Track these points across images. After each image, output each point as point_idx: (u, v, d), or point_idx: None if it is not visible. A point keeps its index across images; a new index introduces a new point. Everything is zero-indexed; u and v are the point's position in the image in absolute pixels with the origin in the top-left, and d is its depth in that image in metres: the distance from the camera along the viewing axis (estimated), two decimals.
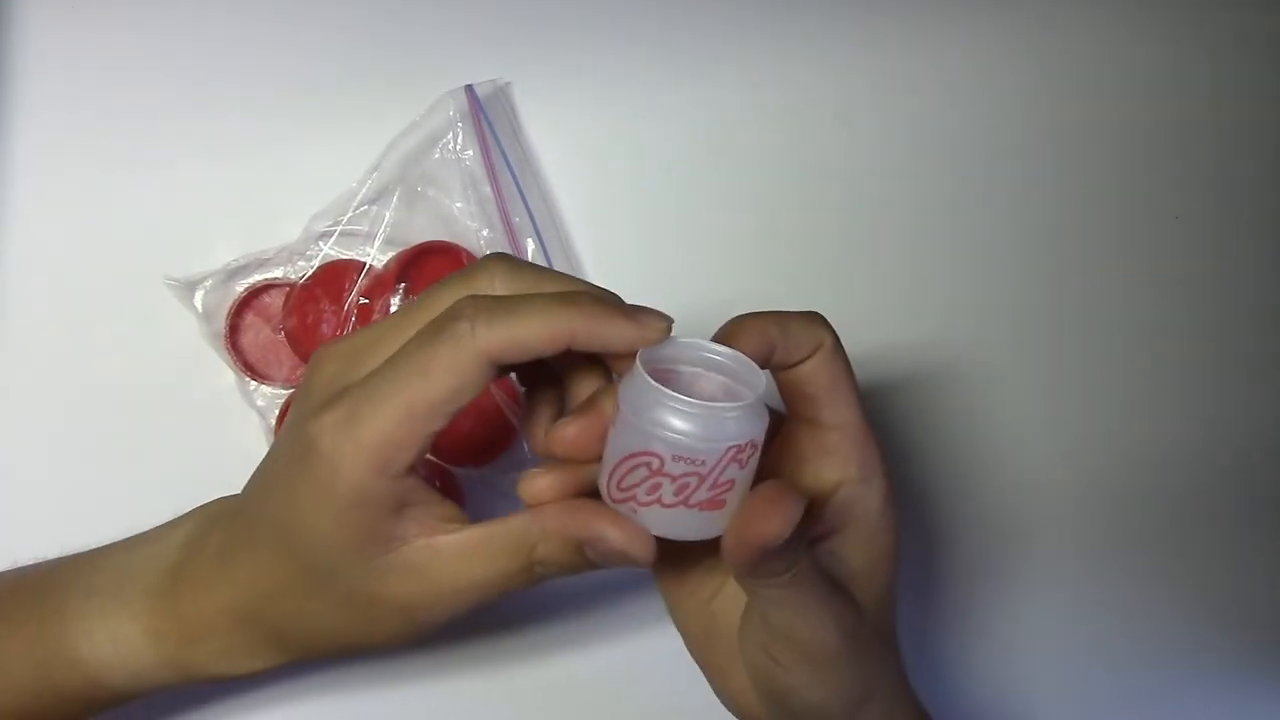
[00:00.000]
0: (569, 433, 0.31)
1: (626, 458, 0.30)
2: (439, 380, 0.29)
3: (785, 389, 0.34)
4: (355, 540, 0.31)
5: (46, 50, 0.48)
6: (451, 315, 0.29)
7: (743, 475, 0.30)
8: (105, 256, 0.48)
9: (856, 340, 0.35)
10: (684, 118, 0.53)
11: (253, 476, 0.35)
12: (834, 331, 0.33)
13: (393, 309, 0.47)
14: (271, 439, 0.47)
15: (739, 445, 0.29)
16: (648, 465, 0.29)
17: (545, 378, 0.34)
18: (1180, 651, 0.56)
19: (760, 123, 0.54)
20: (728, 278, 0.53)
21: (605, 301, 0.30)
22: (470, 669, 0.49)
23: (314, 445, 0.30)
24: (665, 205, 0.53)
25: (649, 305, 0.31)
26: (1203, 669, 0.57)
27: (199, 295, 0.47)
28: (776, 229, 0.54)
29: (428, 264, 0.48)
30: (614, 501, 0.31)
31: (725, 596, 0.35)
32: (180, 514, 0.37)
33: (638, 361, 0.29)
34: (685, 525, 0.30)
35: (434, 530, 0.31)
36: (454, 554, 0.31)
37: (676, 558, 0.35)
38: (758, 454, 0.30)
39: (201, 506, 0.37)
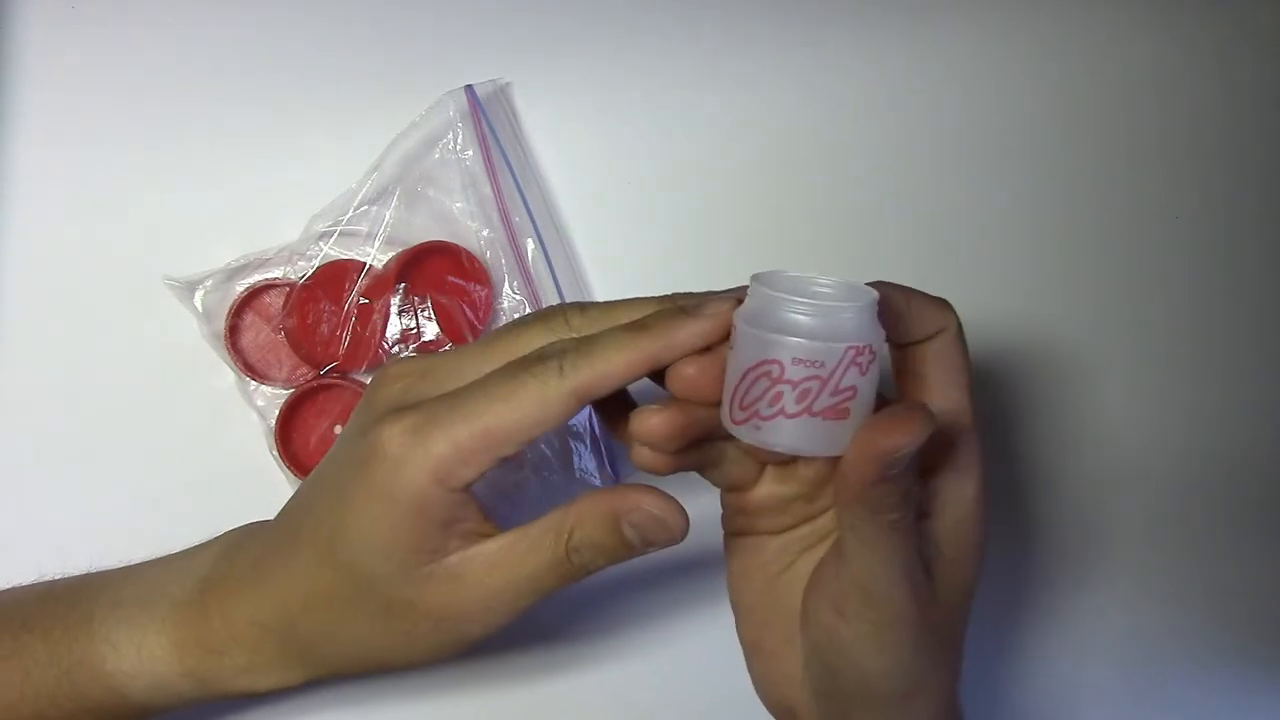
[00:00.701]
0: (689, 372, 0.31)
1: (747, 372, 0.29)
2: (522, 409, 0.30)
3: (899, 367, 0.34)
4: (403, 548, 0.31)
5: (46, 50, 0.48)
6: (540, 355, 0.31)
7: (864, 384, 0.29)
8: (105, 256, 0.48)
9: None
10: (684, 117, 0.53)
11: (296, 492, 0.35)
12: (959, 320, 0.33)
13: (393, 309, 0.47)
14: (272, 439, 0.47)
15: (857, 347, 0.29)
16: (768, 375, 0.29)
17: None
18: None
19: (761, 122, 0.54)
20: (728, 278, 0.53)
21: (673, 315, 0.31)
22: (477, 686, 0.49)
23: (379, 448, 0.30)
24: (665, 205, 0.53)
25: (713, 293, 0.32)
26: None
27: (199, 295, 0.47)
28: (777, 228, 0.54)
29: (428, 264, 0.48)
30: (735, 424, 0.30)
31: (794, 574, 0.35)
32: (183, 512, 0.38)
33: (750, 281, 0.30)
34: (811, 436, 0.30)
35: (473, 540, 0.32)
36: (490, 556, 0.32)
37: (751, 522, 0.35)
38: (876, 364, 0.29)
39: (237, 527, 0.37)
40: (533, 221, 0.49)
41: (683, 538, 0.31)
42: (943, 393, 0.33)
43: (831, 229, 0.54)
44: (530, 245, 0.49)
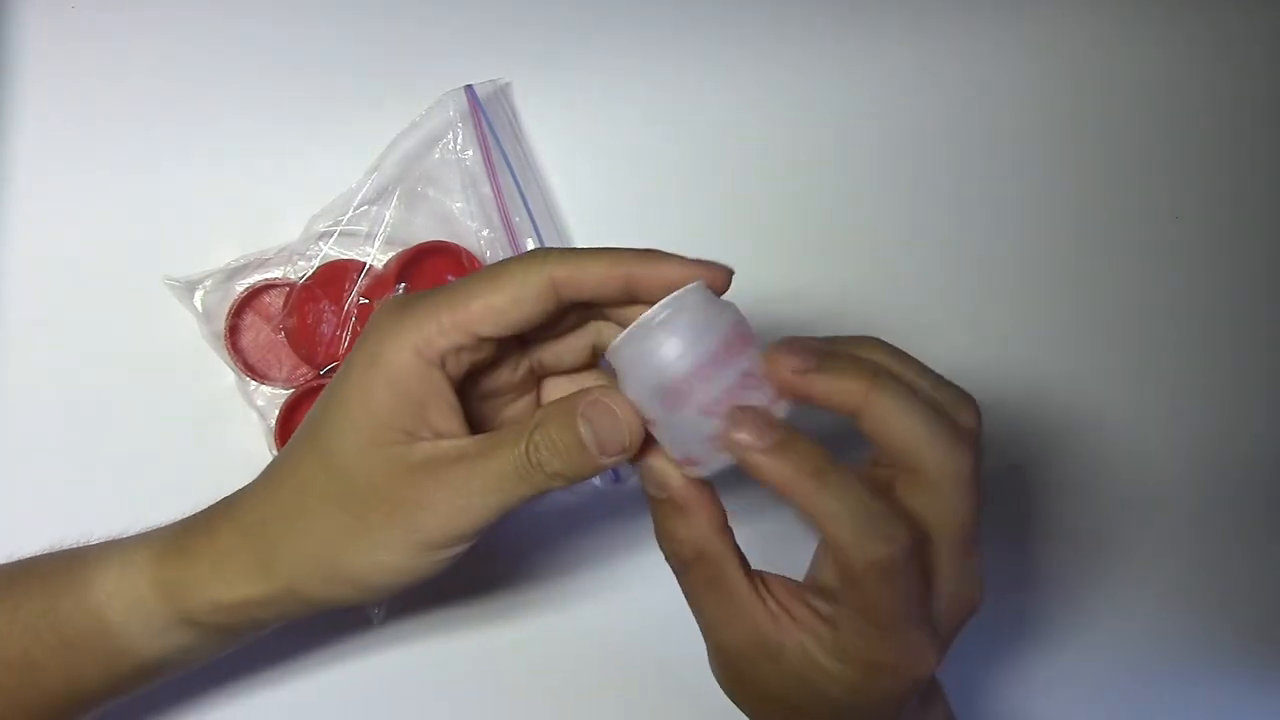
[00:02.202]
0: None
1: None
2: (502, 287, 0.31)
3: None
4: (375, 421, 0.32)
5: (46, 50, 0.48)
6: (526, 252, 0.33)
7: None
8: (105, 256, 0.48)
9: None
10: (684, 117, 0.53)
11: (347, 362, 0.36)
12: (960, 454, 0.31)
13: None
14: (272, 439, 0.47)
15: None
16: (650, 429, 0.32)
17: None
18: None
19: (761, 121, 0.54)
20: (733, 277, 0.53)
21: (660, 253, 0.32)
22: (456, 631, 0.49)
23: (370, 325, 0.33)
24: (665, 205, 0.53)
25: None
26: None
27: (199, 295, 0.47)
28: (778, 228, 0.54)
29: (428, 264, 0.48)
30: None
31: None
32: (182, 512, 0.37)
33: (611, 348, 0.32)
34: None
35: (443, 436, 0.32)
36: (459, 449, 0.32)
37: None
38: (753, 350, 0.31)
39: None
40: (533, 221, 0.49)
41: (635, 448, 0.32)
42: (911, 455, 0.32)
43: (831, 228, 0.54)
44: (530, 245, 0.49)
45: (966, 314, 0.55)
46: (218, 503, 0.36)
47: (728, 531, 0.33)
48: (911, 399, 0.31)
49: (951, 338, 0.55)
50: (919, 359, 0.33)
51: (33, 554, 0.38)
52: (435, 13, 0.51)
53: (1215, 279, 0.58)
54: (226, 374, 0.47)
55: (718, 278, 0.33)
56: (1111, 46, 0.58)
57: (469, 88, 0.49)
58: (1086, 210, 0.57)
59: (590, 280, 0.32)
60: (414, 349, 0.32)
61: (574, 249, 0.33)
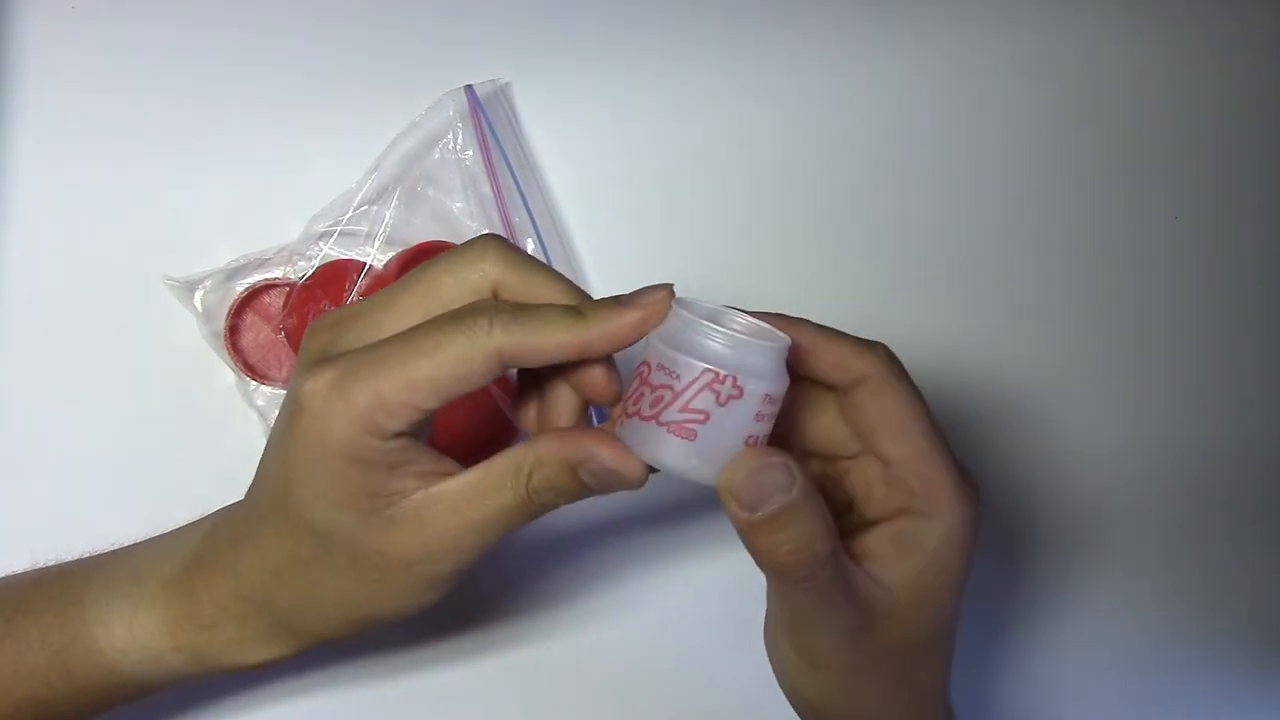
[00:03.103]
0: (596, 374, 0.32)
1: (632, 374, 0.30)
2: (446, 363, 0.29)
3: (847, 421, 0.34)
4: (352, 496, 0.31)
5: (46, 50, 0.48)
6: (471, 310, 0.30)
7: (722, 415, 0.29)
8: (105, 256, 0.48)
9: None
10: (685, 118, 0.53)
11: (260, 459, 0.35)
12: (889, 361, 0.33)
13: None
14: None
15: (716, 373, 0.29)
16: (640, 375, 0.30)
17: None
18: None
19: (760, 121, 0.54)
20: (730, 278, 0.53)
21: (610, 305, 0.31)
22: (462, 658, 0.49)
23: (304, 403, 0.30)
24: (666, 205, 0.53)
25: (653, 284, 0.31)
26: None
27: (199, 295, 0.47)
28: (776, 227, 0.54)
29: None
30: (617, 424, 0.31)
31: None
32: (183, 512, 0.38)
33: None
34: (653, 444, 0.30)
35: (432, 481, 0.32)
36: (452, 497, 0.31)
37: None
38: (750, 402, 0.29)
39: (229, 504, 0.37)
40: (533, 221, 0.49)
41: (641, 485, 0.31)
42: (889, 442, 0.33)
43: (830, 228, 0.54)
44: (530, 245, 0.49)
45: (963, 314, 0.55)
46: (203, 549, 0.35)
47: None
48: (827, 328, 0.33)
49: (948, 338, 0.55)
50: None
51: (15, 575, 0.38)
52: (435, 13, 0.51)
53: (1215, 279, 0.58)
54: (226, 374, 0.47)
55: (660, 308, 0.31)
56: (1108, 46, 0.58)
57: (469, 88, 0.49)
58: (1085, 211, 0.57)
59: (543, 354, 0.30)
60: (361, 429, 0.30)
61: (527, 310, 0.30)
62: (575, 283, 0.32)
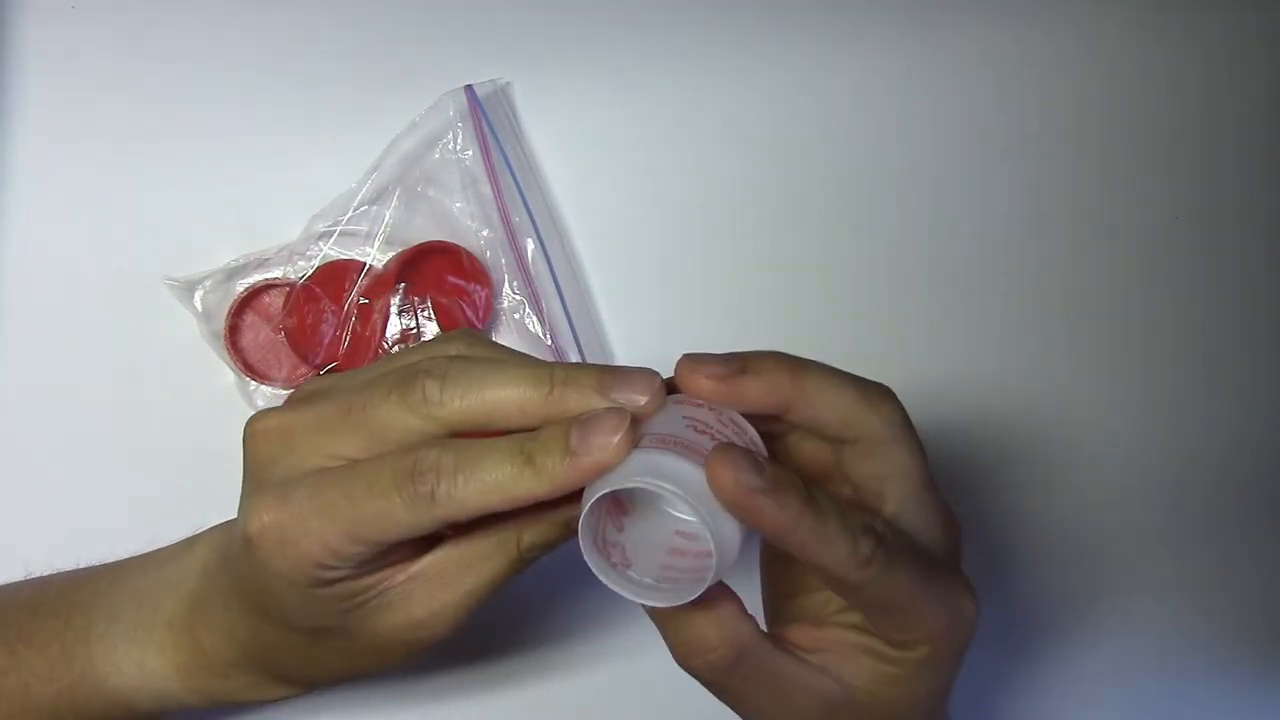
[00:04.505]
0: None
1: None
2: (387, 527, 0.28)
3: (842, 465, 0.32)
4: (330, 608, 0.31)
5: (46, 50, 0.48)
6: (412, 470, 0.28)
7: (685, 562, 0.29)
8: (105, 256, 0.48)
9: (867, 347, 0.34)
10: (685, 117, 0.53)
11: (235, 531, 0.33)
12: (891, 418, 0.30)
13: (393, 309, 0.47)
14: None
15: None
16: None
17: None
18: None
19: (760, 121, 0.54)
20: (731, 278, 0.53)
21: (561, 447, 0.28)
22: (483, 685, 0.49)
23: (256, 544, 0.30)
24: (665, 205, 0.53)
25: (637, 366, 0.29)
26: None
27: (199, 295, 0.47)
28: (776, 227, 0.54)
29: (427, 264, 0.48)
30: None
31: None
32: (183, 512, 0.37)
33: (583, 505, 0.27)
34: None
35: (412, 558, 0.31)
36: (439, 571, 0.31)
37: None
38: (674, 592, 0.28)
39: (218, 528, 0.37)
40: (533, 221, 0.49)
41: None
42: (886, 503, 0.31)
43: (830, 228, 0.54)
44: (530, 245, 0.49)
45: (962, 315, 0.55)
46: (200, 595, 0.35)
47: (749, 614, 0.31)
48: (834, 373, 0.30)
49: (948, 340, 0.55)
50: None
51: (9, 591, 0.38)
52: (435, 13, 0.51)
53: (1215, 279, 0.58)
54: (226, 374, 0.47)
55: (644, 410, 0.29)
56: (1107, 46, 0.58)
57: (469, 88, 0.49)
58: (1084, 212, 0.57)
59: (492, 509, 0.28)
60: (316, 567, 0.29)
61: (472, 464, 0.28)
62: (531, 362, 0.30)
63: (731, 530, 0.27)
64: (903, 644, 0.30)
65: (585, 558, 0.27)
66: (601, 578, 0.28)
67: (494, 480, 0.28)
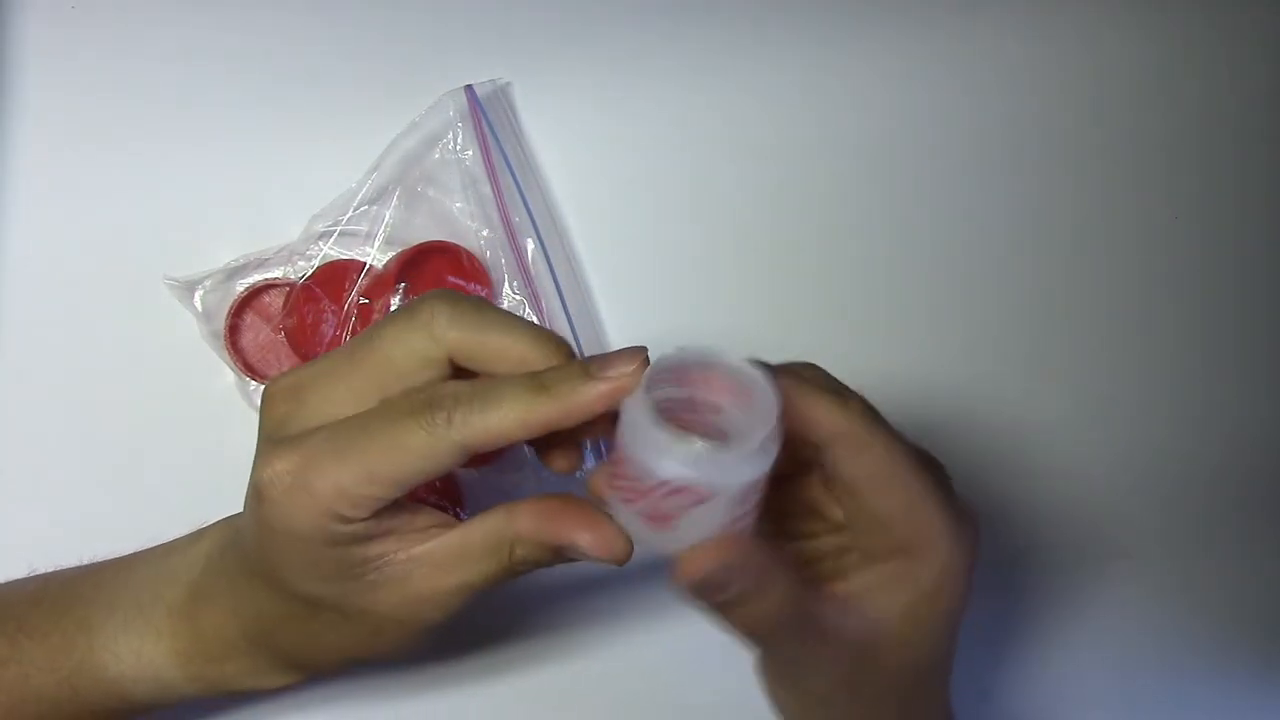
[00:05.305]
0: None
1: (618, 429, 0.30)
2: (407, 461, 0.29)
3: (830, 476, 0.33)
4: (331, 571, 0.31)
5: (46, 50, 0.48)
6: (428, 401, 0.29)
7: (690, 514, 0.29)
8: (105, 256, 0.48)
9: (867, 347, 0.34)
10: (684, 117, 0.53)
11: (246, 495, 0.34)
12: (864, 415, 0.32)
13: (393, 309, 0.47)
14: None
15: (673, 486, 0.28)
16: (620, 443, 0.29)
17: None
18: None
19: (760, 121, 0.54)
20: (731, 277, 0.53)
21: (575, 375, 0.29)
22: (482, 675, 0.49)
23: (266, 493, 0.30)
24: (665, 205, 0.53)
25: (627, 347, 0.30)
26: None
27: (199, 295, 0.47)
28: (776, 227, 0.54)
29: (428, 264, 0.48)
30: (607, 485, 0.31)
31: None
32: (183, 511, 0.38)
33: (646, 373, 0.29)
34: (633, 527, 0.30)
35: (412, 542, 0.32)
36: (434, 559, 0.32)
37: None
38: (715, 505, 0.28)
39: (224, 521, 0.37)
40: (533, 221, 0.49)
41: (623, 563, 0.31)
42: (879, 499, 0.32)
43: (829, 229, 0.54)
44: (530, 245, 0.49)
45: (961, 314, 0.55)
46: (203, 582, 0.35)
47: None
48: (810, 380, 0.32)
49: (947, 339, 0.55)
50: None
51: (9, 586, 0.38)
52: (435, 13, 0.51)
53: (1215, 279, 0.58)
54: (226, 374, 0.48)
55: (628, 383, 0.30)
56: (1107, 45, 0.58)
57: (469, 88, 0.49)
58: (1084, 212, 0.57)
59: (508, 437, 0.29)
60: (328, 517, 0.30)
61: (486, 393, 0.29)
62: (535, 325, 0.32)
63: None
64: (918, 554, 0.32)
65: (649, 427, 0.28)
66: (677, 445, 0.28)
67: (510, 405, 0.29)
